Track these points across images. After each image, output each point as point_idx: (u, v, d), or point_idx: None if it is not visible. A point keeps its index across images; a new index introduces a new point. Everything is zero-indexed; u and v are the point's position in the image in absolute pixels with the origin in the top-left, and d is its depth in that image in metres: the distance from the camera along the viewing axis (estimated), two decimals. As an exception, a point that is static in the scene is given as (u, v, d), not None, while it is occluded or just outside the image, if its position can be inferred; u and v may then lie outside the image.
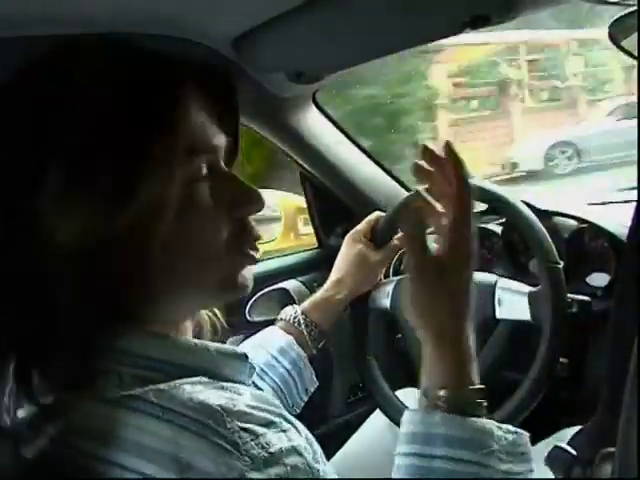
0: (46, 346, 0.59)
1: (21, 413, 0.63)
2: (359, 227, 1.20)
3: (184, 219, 0.62)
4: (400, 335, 1.23)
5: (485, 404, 0.71)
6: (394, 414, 1.17)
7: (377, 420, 1.25)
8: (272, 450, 0.54)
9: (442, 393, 0.71)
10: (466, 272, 0.75)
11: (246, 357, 0.67)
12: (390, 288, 1.22)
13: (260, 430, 0.55)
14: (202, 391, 0.57)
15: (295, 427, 0.59)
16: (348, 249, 1.18)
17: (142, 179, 0.59)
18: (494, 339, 1.04)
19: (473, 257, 0.75)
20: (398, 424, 1.16)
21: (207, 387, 0.58)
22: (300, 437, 0.58)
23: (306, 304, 1.15)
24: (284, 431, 0.57)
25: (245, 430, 0.54)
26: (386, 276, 1.29)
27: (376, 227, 1.20)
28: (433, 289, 0.74)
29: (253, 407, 0.57)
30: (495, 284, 1.09)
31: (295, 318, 1.12)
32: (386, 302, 1.21)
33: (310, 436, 0.61)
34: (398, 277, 1.25)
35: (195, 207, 0.63)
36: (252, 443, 0.54)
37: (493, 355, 0.98)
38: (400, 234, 1.20)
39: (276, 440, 0.55)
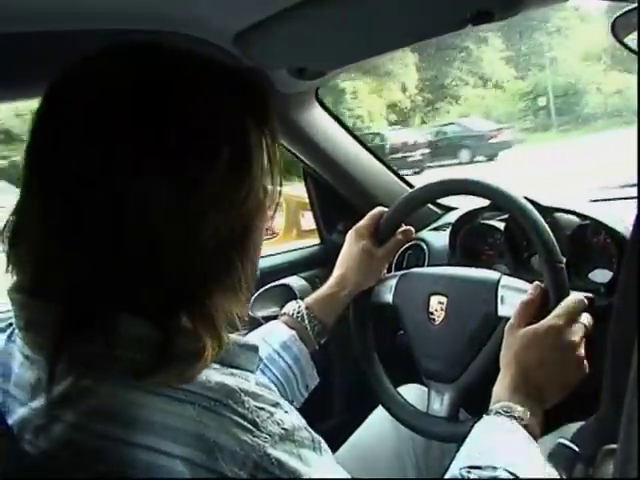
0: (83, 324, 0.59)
1: (38, 402, 0.62)
2: (362, 222, 1.19)
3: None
4: (402, 331, 1.23)
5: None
6: (396, 411, 1.17)
7: (379, 417, 1.25)
8: (286, 426, 0.59)
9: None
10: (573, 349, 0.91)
11: (257, 349, 0.70)
12: (393, 283, 1.22)
13: (272, 409, 0.59)
14: (215, 374, 0.60)
15: (294, 412, 0.63)
16: (351, 245, 1.18)
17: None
18: (496, 336, 1.04)
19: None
20: (400, 420, 1.18)
21: (219, 371, 0.61)
22: (300, 417, 0.63)
23: (310, 299, 1.14)
24: (287, 412, 0.61)
25: (261, 409, 0.58)
26: (389, 270, 1.29)
27: (379, 223, 1.19)
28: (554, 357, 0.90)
29: (262, 389, 0.61)
30: (498, 281, 1.09)
31: (299, 313, 1.12)
32: (389, 297, 1.21)
33: None
34: (401, 272, 1.25)
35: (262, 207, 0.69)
36: (269, 421, 0.58)
37: (495, 352, 0.98)
38: (403, 228, 1.20)
39: (286, 418, 0.60)
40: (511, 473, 0.75)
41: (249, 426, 0.57)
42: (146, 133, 0.58)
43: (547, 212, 1.21)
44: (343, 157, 1.60)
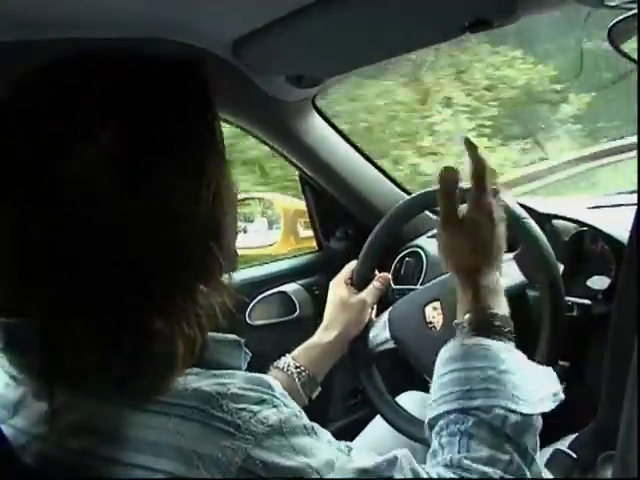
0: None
1: (19, 420, 0.62)
2: (340, 274, 1.22)
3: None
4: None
5: (507, 329, 0.82)
6: (394, 420, 1.17)
7: (378, 426, 1.24)
8: (270, 423, 0.57)
9: (466, 317, 0.84)
10: (490, 225, 0.86)
11: (239, 343, 0.67)
12: (385, 319, 1.23)
13: (255, 408, 0.58)
14: (194, 380, 0.59)
15: (284, 403, 0.61)
16: (332, 295, 1.19)
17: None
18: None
19: (495, 215, 0.86)
20: (399, 429, 1.17)
21: (199, 376, 0.60)
22: (294, 405, 0.62)
23: (297, 350, 1.13)
24: (276, 406, 0.59)
25: (242, 410, 0.57)
26: (378, 313, 1.29)
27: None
28: (460, 239, 0.87)
29: (245, 389, 0.59)
30: None
31: (288, 366, 1.10)
32: (386, 333, 1.22)
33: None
34: (389, 308, 1.26)
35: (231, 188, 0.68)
36: (251, 421, 0.57)
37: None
38: (379, 275, 1.20)
39: (271, 414, 0.58)
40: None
41: (230, 430, 0.55)
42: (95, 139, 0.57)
43: (545, 219, 1.21)
44: (340, 164, 1.60)
